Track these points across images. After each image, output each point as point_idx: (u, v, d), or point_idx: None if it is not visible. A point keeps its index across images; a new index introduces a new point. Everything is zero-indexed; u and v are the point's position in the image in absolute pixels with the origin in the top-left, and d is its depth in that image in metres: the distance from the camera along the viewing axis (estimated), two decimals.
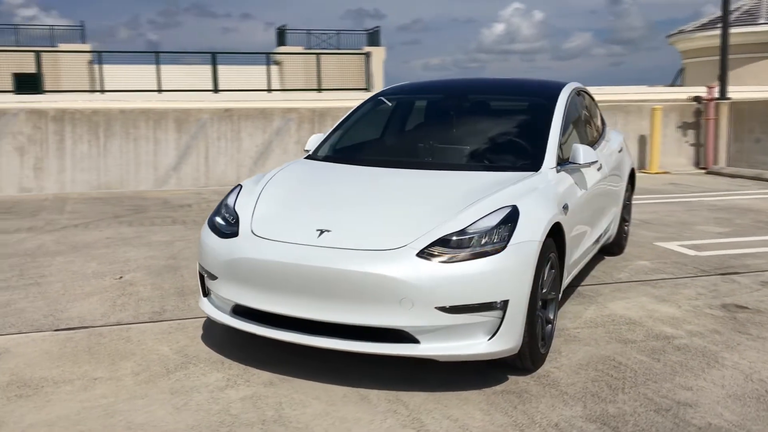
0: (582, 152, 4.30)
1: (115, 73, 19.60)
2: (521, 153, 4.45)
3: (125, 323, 4.46)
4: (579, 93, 5.27)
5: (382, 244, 3.37)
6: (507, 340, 3.35)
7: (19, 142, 10.71)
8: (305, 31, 33.67)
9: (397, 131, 5.12)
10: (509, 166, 4.29)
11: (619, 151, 5.90)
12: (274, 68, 25.72)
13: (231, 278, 3.61)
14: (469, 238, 3.37)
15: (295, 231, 3.57)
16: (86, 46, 31.07)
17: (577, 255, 4.45)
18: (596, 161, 4.40)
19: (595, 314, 4.62)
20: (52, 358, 3.88)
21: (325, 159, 4.70)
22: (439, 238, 3.36)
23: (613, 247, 6.06)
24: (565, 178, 4.27)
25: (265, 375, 3.64)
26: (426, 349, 3.29)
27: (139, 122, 11.13)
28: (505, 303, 3.31)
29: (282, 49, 31.38)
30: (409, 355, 3.32)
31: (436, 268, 3.26)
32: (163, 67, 18.76)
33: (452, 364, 3.60)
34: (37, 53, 16.77)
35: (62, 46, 30.33)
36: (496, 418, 3.17)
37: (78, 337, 4.21)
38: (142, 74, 18.01)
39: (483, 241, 3.36)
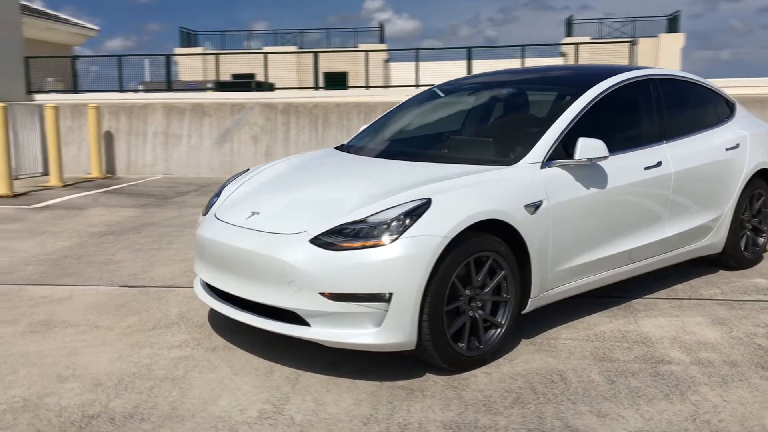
0: (579, 147, 3.89)
1: (401, 70, 21.19)
2: (508, 146, 4.16)
3: (175, 286, 5.12)
4: (640, 83, 4.66)
5: (287, 228, 3.50)
6: (394, 334, 3.27)
7: (254, 132, 12.29)
8: (596, 21, 32.60)
9: (414, 123, 5.05)
10: (483, 159, 4.05)
11: (731, 149, 5.06)
12: (559, 60, 25.45)
13: (197, 254, 4.03)
14: (365, 227, 3.34)
15: (237, 212, 3.85)
16: (383, 46, 33.71)
17: (580, 261, 4.02)
18: (602, 157, 3.93)
19: (611, 329, 4.14)
20: (91, 307, 4.66)
21: (340, 148, 4.85)
22: (337, 226, 3.39)
23: (728, 259, 5.24)
24: (556, 175, 3.90)
25: (218, 341, 3.98)
26: (315, 332, 3.37)
27: (352, 114, 12.04)
28: (391, 295, 3.24)
29: (567, 39, 30.75)
30: (300, 337, 3.41)
31: (323, 254, 3.31)
32: (443, 63, 19.72)
33: (385, 355, 3.58)
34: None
35: (361, 46, 33.27)
36: (361, 408, 3.14)
37: (129, 294, 4.97)
38: (427, 70, 19.10)
39: (376, 231, 3.32)
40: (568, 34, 32.01)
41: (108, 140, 12.87)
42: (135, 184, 11.51)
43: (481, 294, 3.58)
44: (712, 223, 4.95)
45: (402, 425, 2.99)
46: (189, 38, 36.36)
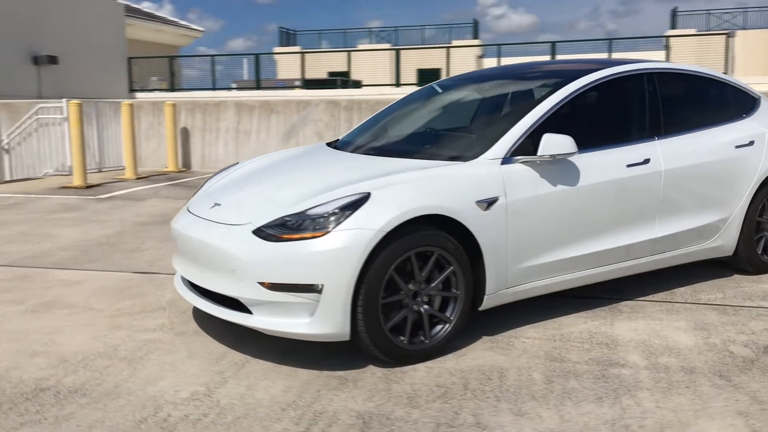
0: (543, 143, 3.82)
1: (491, 65, 21.15)
2: (473, 142, 4.11)
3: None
4: (631, 78, 4.48)
5: (237, 219, 3.62)
6: (326, 324, 3.34)
7: (318, 128, 12.57)
8: (704, 12, 31.13)
9: (403, 119, 5.02)
10: (447, 154, 4.02)
11: (742, 146, 4.79)
12: (661, 54, 24.48)
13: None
14: (303, 220, 3.42)
15: (203, 204, 4.01)
16: (476, 41, 33.42)
17: (546, 259, 3.94)
18: (567, 153, 3.83)
19: (582, 329, 4.03)
20: (96, 291, 4.96)
21: (329, 144, 4.92)
22: (280, 218, 3.48)
23: (742, 262, 4.96)
24: (518, 171, 3.83)
25: (191, 327, 4.17)
26: (257, 321, 3.48)
27: None
28: (322, 287, 3.31)
29: (672, 32, 29.48)
30: (244, 324, 3.53)
31: (263, 245, 3.41)
32: (532, 59, 19.51)
33: (338, 345, 3.63)
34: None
35: (454, 43, 33.12)
36: (287, 395, 3.23)
37: (135, 280, 5.25)
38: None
39: (313, 224, 3.39)
40: (673, 26, 30.68)
41: (184, 136, 13.49)
42: (202, 177, 12.02)
43: (427, 289, 3.58)
44: (719, 223, 4.70)
45: (317, 413, 3.05)
46: (288, 37, 37.39)
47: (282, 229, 3.43)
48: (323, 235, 3.33)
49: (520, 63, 5.35)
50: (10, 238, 6.82)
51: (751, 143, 4.83)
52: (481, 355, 3.69)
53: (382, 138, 4.64)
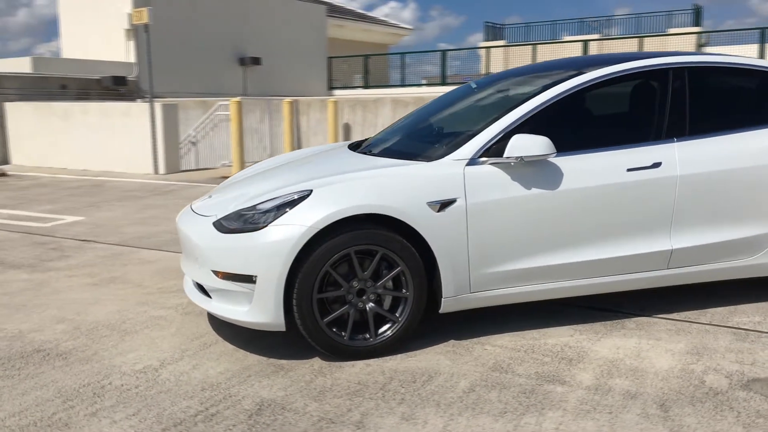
0: (510, 145, 3.66)
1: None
2: (447, 142, 3.98)
3: None
4: (649, 73, 4.06)
5: (210, 212, 3.90)
6: (261, 314, 3.51)
7: None
8: None
9: (423, 117, 4.90)
10: (419, 154, 3.95)
11: None
12: None
13: None
14: (253, 214, 3.62)
15: (201, 199, 4.34)
16: (696, 29, 30.85)
17: (522, 265, 3.76)
18: (537, 156, 3.62)
19: (557, 342, 3.81)
20: (159, 271, 5.54)
21: (352, 143, 5.00)
22: (236, 211, 3.71)
23: None
24: (486, 173, 3.70)
25: (200, 308, 4.55)
26: (214, 306, 3.75)
27: None
28: (256, 278, 3.49)
29: None
30: (206, 309, 3.82)
31: (216, 236, 3.66)
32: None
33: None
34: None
35: (670, 31, 30.86)
36: (218, 378, 3.44)
37: (169, 257, 5.80)
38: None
39: (258, 218, 3.57)
40: None
41: (346, 131, 14.16)
42: None
43: (374, 287, 3.62)
44: (764, 238, 4.14)
45: (228, 396, 3.25)
46: (494, 31, 37.29)
47: (234, 222, 3.65)
48: (261, 228, 3.51)
49: (578, 57, 5.05)
50: (138, 220, 7.76)
51: None
52: (429, 357, 3.65)
53: (393, 138, 4.66)
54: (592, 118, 4.17)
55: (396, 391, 3.25)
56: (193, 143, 13.93)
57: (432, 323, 4.02)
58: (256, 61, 20.69)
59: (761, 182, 4.08)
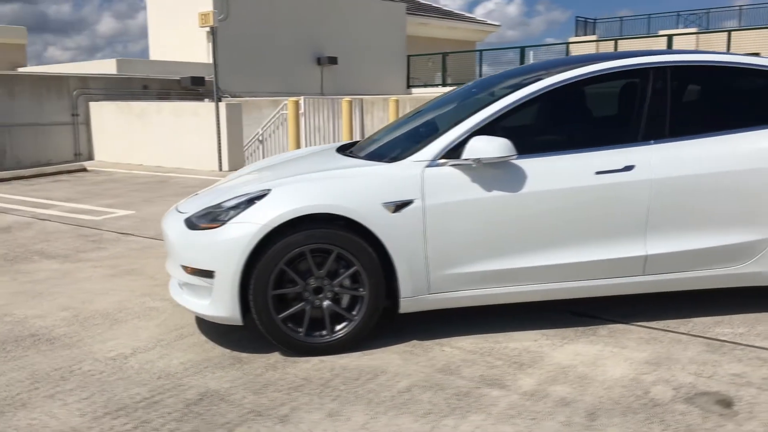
0: (468, 147, 3.65)
1: None
2: (411, 143, 3.98)
3: None
4: (626, 73, 3.93)
5: (187, 209, 4.08)
6: (219, 308, 3.66)
7: None
8: None
9: (415, 119, 4.86)
10: (384, 155, 3.99)
11: None
12: None
13: None
14: (217, 212, 3.77)
15: (188, 198, 4.53)
16: (692, 30, 29.10)
17: (483, 268, 3.75)
18: (495, 158, 3.60)
19: (519, 347, 3.77)
20: (158, 257, 5.79)
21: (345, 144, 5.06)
22: (204, 209, 3.87)
23: None
24: (445, 175, 3.70)
25: None
26: (184, 299, 3.92)
27: None
28: (214, 273, 3.64)
29: None
30: (178, 301, 4.00)
31: (185, 232, 3.84)
32: None
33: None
34: None
35: (661, 32, 29.28)
36: (178, 368, 3.63)
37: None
38: None
39: (220, 216, 3.72)
40: None
41: None
42: None
43: (330, 285, 3.70)
44: (754, 245, 3.94)
45: (177, 385, 3.41)
46: (586, 26, 36.36)
47: (201, 219, 3.82)
48: (221, 226, 3.66)
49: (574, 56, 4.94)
50: None
51: None
52: (383, 356, 3.69)
53: (380, 140, 4.70)
54: (563, 120, 4.09)
55: (335, 388, 3.33)
56: (260, 141, 14.36)
57: (401, 322, 4.06)
58: (332, 60, 21.06)
59: (747, 187, 3.89)
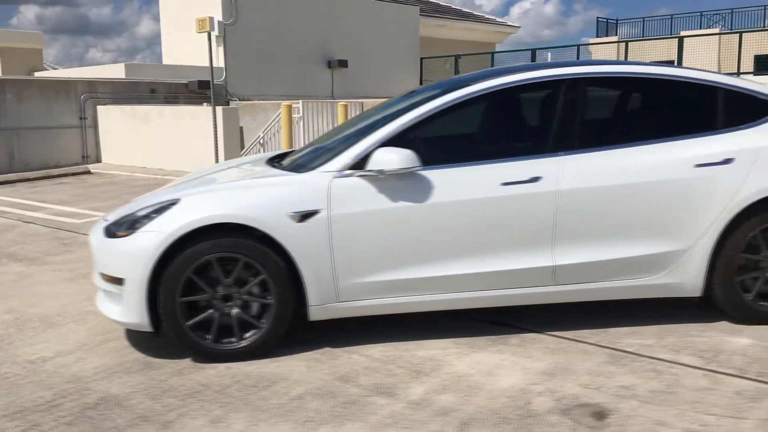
0: (372, 158, 3.72)
1: None
2: (327, 155, 4.04)
3: None
4: (537, 85, 3.95)
5: (110, 218, 4.20)
6: (129, 314, 3.77)
7: None
8: None
9: (338, 128, 4.92)
10: (304, 165, 4.05)
11: (709, 165, 3.92)
12: None
13: None
14: (130, 221, 3.87)
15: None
16: (715, 30, 28.54)
17: (391, 277, 3.81)
18: (399, 169, 3.65)
19: (424, 355, 3.81)
20: None
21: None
22: (121, 218, 3.98)
23: (726, 308, 4.07)
24: (353, 185, 3.76)
25: None
26: (102, 306, 4.02)
27: None
28: (123, 280, 3.76)
29: None
30: (98, 308, 4.11)
31: (102, 240, 3.95)
32: None
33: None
34: None
35: (684, 33, 28.75)
36: (90, 372, 3.74)
37: None
38: None
39: (131, 224, 3.82)
40: None
41: None
42: None
43: (238, 294, 3.79)
44: (668, 256, 3.94)
45: (83, 388, 3.52)
46: (607, 27, 35.99)
47: (117, 227, 3.93)
48: (131, 234, 3.77)
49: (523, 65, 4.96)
50: None
51: (727, 161, 3.92)
52: (289, 363, 3.77)
53: (307, 149, 4.75)
54: (473, 132, 4.13)
55: (230, 395, 3.41)
56: (261, 144, 14.51)
57: (323, 329, 4.13)
58: (343, 63, 21.15)
59: (657, 199, 3.89)
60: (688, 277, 3.98)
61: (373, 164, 3.71)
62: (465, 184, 3.81)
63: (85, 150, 15.40)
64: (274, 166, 4.35)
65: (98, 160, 15.53)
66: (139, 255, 3.69)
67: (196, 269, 3.72)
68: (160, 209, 3.78)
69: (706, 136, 4.00)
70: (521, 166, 3.85)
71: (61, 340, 4.22)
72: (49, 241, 7.14)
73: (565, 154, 3.89)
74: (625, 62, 4.36)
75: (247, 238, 3.72)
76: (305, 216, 3.73)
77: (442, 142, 3.97)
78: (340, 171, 3.82)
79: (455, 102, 3.94)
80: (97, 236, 4.04)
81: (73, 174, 13.80)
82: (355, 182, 3.80)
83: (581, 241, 3.88)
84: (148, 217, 3.78)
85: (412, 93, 4.83)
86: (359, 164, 3.83)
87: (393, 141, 3.84)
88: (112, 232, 3.93)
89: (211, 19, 11.91)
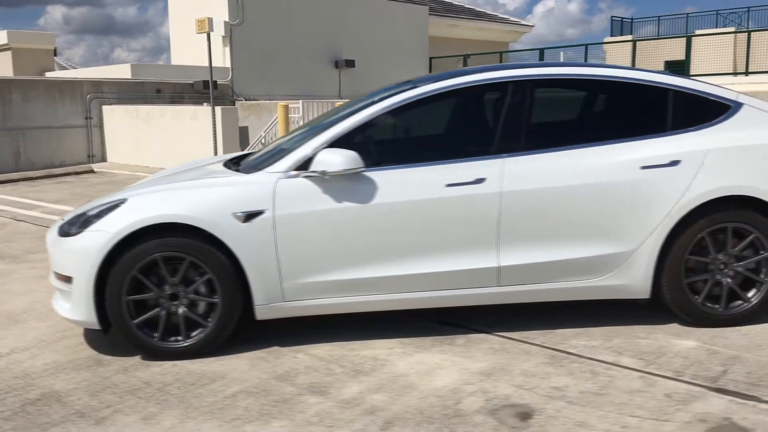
0: (315, 160, 3.76)
1: None
2: (276, 156, 4.08)
3: None
4: (488, 88, 3.97)
5: (68, 216, 4.28)
6: (78, 312, 3.83)
7: None
8: None
9: (299, 130, 4.94)
10: (256, 166, 4.09)
11: (655, 167, 3.92)
12: None
13: None
14: (81, 220, 3.94)
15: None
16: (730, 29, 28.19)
17: (337, 277, 3.84)
18: (341, 170, 3.69)
19: (368, 354, 3.85)
20: None
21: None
22: (73, 217, 4.05)
23: (676, 310, 4.06)
24: (298, 186, 3.80)
25: None
26: (55, 304, 4.09)
27: None
28: (71, 279, 3.83)
29: None
30: (53, 307, 4.18)
31: (56, 239, 4.01)
32: None
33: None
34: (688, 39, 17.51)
35: (698, 32, 28.40)
36: (41, 368, 3.82)
37: None
38: None
39: (81, 224, 3.89)
40: None
41: None
42: None
43: (185, 293, 3.84)
44: (612, 258, 3.94)
45: (29, 384, 3.60)
46: (622, 26, 35.71)
47: (69, 227, 4.01)
48: (79, 233, 3.84)
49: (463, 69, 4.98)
50: None
51: (674, 164, 3.91)
52: (233, 362, 3.82)
53: (264, 150, 4.78)
54: (419, 134, 4.16)
55: (168, 392, 3.47)
56: (263, 144, 14.60)
57: (274, 328, 4.18)
58: (350, 63, 21.21)
59: (604, 201, 3.89)
60: (636, 279, 3.97)
61: (316, 165, 3.75)
62: (410, 185, 3.84)
63: (91, 149, 15.60)
64: (228, 167, 4.39)
65: (104, 159, 15.73)
66: (86, 254, 3.75)
67: (142, 268, 3.77)
68: (109, 209, 3.84)
69: (654, 138, 3.99)
70: (467, 168, 3.87)
71: (20, 337, 4.31)
72: (34, 240, 7.26)
73: (510, 156, 3.90)
74: (577, 64, 4.36)
75: (193, 238, 3.77)
76: (250, 216, 3.77)
77: (390, 143, 4.00)
78: (286, 172, 3.87)
79: (403, 103, 3.97)
80: (51, 235, 4.12)
81: (76, 173, 13.98)
82: (301, 183, 3.84)
83: (526, 243, 3.89)
84: (97, 216, 3.85)
85: (372, 94, 4.85)
86: (305, 165, 3.87)
87: (340, 142, 3.88)
88: (65, 231, 4.00)
89: (210, 20, 12.01)
